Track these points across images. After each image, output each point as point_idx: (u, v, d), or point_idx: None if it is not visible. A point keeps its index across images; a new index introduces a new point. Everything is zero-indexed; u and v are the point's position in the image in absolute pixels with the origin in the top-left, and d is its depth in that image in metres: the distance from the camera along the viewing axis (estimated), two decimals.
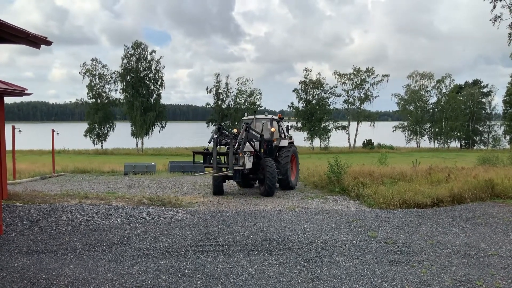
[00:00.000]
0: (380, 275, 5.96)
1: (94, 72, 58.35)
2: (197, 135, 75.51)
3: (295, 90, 62.39)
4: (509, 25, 23.25)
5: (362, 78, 63.44)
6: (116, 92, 59.60)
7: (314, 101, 61.38)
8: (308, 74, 62.00)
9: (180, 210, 10.84)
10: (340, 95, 63.51)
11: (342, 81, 63.71)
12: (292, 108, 62.04)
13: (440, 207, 11.09)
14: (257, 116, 16.29)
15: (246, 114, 16.86)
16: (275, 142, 15.52)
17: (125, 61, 57.26)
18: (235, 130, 15.92)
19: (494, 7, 23.41)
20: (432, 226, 8.95)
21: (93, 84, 58.27)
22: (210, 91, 61.58)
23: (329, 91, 62.33)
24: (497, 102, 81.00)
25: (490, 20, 23.57)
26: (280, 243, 7.64)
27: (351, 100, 63.95)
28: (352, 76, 63.69)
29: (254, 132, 14.57)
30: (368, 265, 6.41)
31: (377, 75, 63.06)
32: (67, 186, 16.42)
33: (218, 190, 14.46)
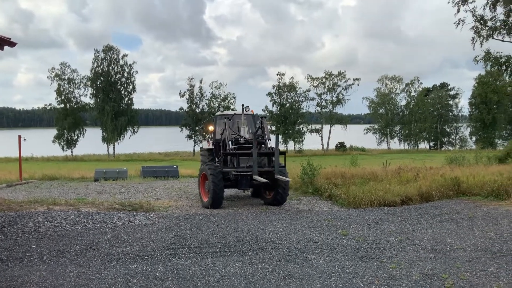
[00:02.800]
0: (351, 271, 6.06)
1: (63, 77, 56.86)
2: (171, 140, 74.66)
3: (269, 94, 62.82)
4: (471, 28, 24.24)
5: (334, 82, 64.57)
6: (86, 97, 58.29)
7: (287, 104, 61.90)
8: (282, 78, 62.58)
9: (152, 215, 10.69)
10: (313, 99, 64.46)
11: (315, 84, 64.71)
12: (266, 112, 62.37)
13: (409, 205, 11.40)
14: (238, 113, 14.20)
15: (221, 109, 16.03)
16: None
17: (96, 65, 56.15)
18: (210, 129, 14.02)
19: (458, 11, 24.38)
20: (401, 223, 9.18)
21: (61, 89, 56.74)
22: (183, 96, 61.14)
23: (302, 94, 63.16)
24: (463, 104, 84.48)
25: (454, 23, 24.50)
26: (253, 243, 7.65)
27: (323, 103, 64.99)
28: (324, 80, 64.71)
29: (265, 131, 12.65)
30: (339, 262, 6.51)
31: (349, 79, 64.41)
32: (34, 193, 15.90)
33: (219, 201, 11.80)
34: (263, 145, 12.54)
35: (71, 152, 57.17)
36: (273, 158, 11.90)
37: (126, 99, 57.34)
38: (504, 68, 23.83)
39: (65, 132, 57.02)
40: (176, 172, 24.30)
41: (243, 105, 13.72)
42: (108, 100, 55.48)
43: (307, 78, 65.44)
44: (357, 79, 64.48)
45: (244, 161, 12.00)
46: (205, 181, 12.47)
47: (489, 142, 58.42)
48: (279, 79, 62.69)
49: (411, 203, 11.63)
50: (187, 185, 18.99)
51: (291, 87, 62.27)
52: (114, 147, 56.51)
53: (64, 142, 57.33)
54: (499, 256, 6.67)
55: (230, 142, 12.19)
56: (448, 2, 24.48)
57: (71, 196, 14.89)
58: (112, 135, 55.32)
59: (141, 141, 66.19)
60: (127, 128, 57.25)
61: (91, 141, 59.09)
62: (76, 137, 58.04)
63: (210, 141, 14.01)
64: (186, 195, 15.29)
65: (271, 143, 12.80)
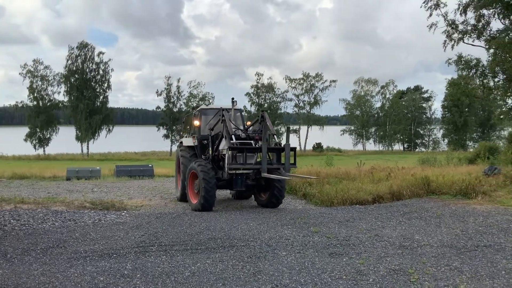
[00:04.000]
0: (320, 267, 6.12)
1: (35, 74, 55.36)
2: (147, 139, 73.72)
3: (247, 94, 62.93)
4: (443, 32, 24.85)
5: (311, 83, 65.19)
6: (60, 95, 56.93)
7: (266, 105, 62.11)
8: (260, 78, 62.78)
9: (123, 213, 10.52)
10: (291, 100, 64.88)
11: (293, 85, 65.17)
12: (244, 112, 62.37)
13: (380, 203, 11.62)
14: (225, 107, 12.85)
15: (206, 103, 14.59)
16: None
17: (70, 62, 54.84)
18: (196, 123, 12.82)
19: (431, 14, 24.88)
20: (371, 221, 9.33)
21: (34, 86, 55.24)
22: (160, 94, 60.46)
23: (281, 95, 63.58)
24: (436, 107, 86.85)
25: (427, 26, 25.04)
26: (225, 241, 7.63)
27: (301, 104, 65.49)
28: (302, 81, 65.25)
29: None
30: (309, 258, 6.56)
31: (326, 81, 65.15)
32: (2, 192, 15.40)
33: (211, 202, 10.83)
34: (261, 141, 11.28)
35: (44, 151, 55.67)
36: (264, 155, 10.58)
37: (101, 97, 56.25)
38: (474, 71, 24.55)
39: (38, 130, 55.49)
40: (151, 172, 24.03)
41: (233, 99, 12.90)
42: (83, 98, 54.29)
43: (285, 79, 65.87)
44: (334, 81, 65.35)
45: (242, 158, 10.80)
46: (193, 181, 11.49)
47: (460, 144, 60.14)
48: (257, 79, 62.94)
49: (383, 201, 11.85)
50: (162, 184, 18.81)
51: (270, 88, 62.56)
52: (88, 146, 55.38)
53: (36, 141, 55.78)
54: (463, 251, 6.87)
55: (233, 136, 10.90)
56: (421, 7, 25.05)
57: (41, 195, 14.50)
58: (86, 133, 54.15)
59: (117, 140, 65.01)
60: (102, 127, 56.14)
61: (64, 140, 57.66)
62: (48, 135, 56.57)
63: (195, 137, 12.70)
64: (161, 194, 15.14)
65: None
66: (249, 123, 12.81)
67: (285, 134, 10.98)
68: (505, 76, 23.03)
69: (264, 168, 10.35)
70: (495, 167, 16.17)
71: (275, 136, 11.41)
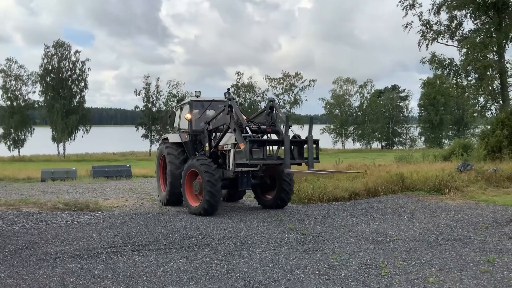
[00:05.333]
0: (294, 263, 6.15)
1: (9, 73, 53.90)
2: (126, 140, 72.67)
3: (228, 93, 62.73)
4: (418, 31, 25.39)
5: (291, 82, 65.63)
6: (35, 94, 55.73)
7: (246, 104, 62.11)
8: (240, 77, 62.77)
9: (98, 214, 10.34)
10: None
11: (273, 85, 65.50)
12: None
13: (356, 200, 11.76)
14: (217, 99, 12.12)
15: (197, 94, 11.68)
16: None
17: (45, 61, 53.67)
18: (188, 116, 11.32)
19: (406, 14, 25.49)
20: (346, 217, 9.44)
21: (8, 85, 53.79)
22: (139, 94, 59.75)
23: (261, 94, 63.73)
24: (413, 106, 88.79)
25: (402, 26, 25.56)
26: (199, 239, 7.59)
27: (281, 103, 65.69)
28: (282, 81, 65.62)
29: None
30: (284, 255, 6.58)
31: (305, 80, 65.74)
32: None
33: (216, 205, 9.79)
34: (274, 134, 10.27)
35: (18, 152, 54.25)
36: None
37: (78, 96, 55.31)
38: (447, 70, 25.18)
39: (12, 131, 54.03)
40: (128, 172, 23.72)
41: (228, 89, 12.27)
42: (59, 97, 53.24)
43: (265, 79, 66.11)
44: (313, 81, 65.96)
45: (242, 154, 9.65)
46: (192, 181, 10.36)
47: (436, 142, 61.53)
48: (237, 79, 62.93)
49: (359, 198, 12.00)
50: (140, 184, 18.56)
51: (250, 87, 62.64)
52: (64, 147, 54.27)
53: (11, 142, 54.33)
54: (434, 245, 7.02)
55: (248, 128, 9.49)
56: (397, 6, 25.54)
57: (14, 197, 14.09)
58: (62, 134, 53.09)
59: (94, 141, 63.92)
60: (79, 127, 55.17)
61: (40, 141, 56.32)
62: (23, 136, 55.15)
63: (187, 132, 11.40)
64: (137, 195, 14.92)
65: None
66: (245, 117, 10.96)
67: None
68: (476, 75, 23.68)
69: (287, 163, 9.12)
70: (468, 163, 16.58)
71: (291, 128, 10.01)
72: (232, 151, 9.95)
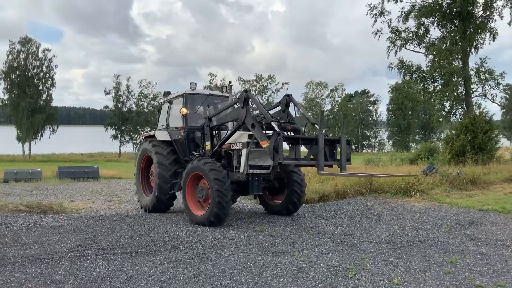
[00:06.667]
0: (262, 266, 6.12)
1: None
2: (95, 140, 70.95)
3: (230, 87, 62.46)
4: (387, 38, 26.01)
5: (264, 85, 65.85)
6: None
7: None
8: (213, 79, 62.49)
9: (62, 217, 10.00)
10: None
11: (246, 87, 65.34)
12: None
13: (326, 202, 11.89)
14: (213, 92, 11.33)
15: (192, 86, 10.44)
16: None
17: (11, 57, 51.76)
18: (183, 111, 9.99)
19: (375, 21, 26.05)
20: (316, 219, 9.51)
21: None
22: (109, 93, 58.55)
23: (234, 96, 63.49)
24: (382, 110, 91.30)
25: (372, 33, 26.13)
26: (167, 243, 7.44)
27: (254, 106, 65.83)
28: (255, 83, 65.77)
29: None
30: (252, 257, 6.54)
31: (278, 83, 66.13)
32: None
33: (225, 215, 8.66)
34: (293, 132, 9.10)
35: None
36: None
37: (45, 95, 53.72)
38: (415, 76, 25.91)
39: None
40: (96, 173, 23.18)
41: (230, 82, 11.18)
42: (24, 96, 51.43)
43: (239, 80, 66.05)
44: (286, 83, 66.42)
45: (257, 155, 8.82)
46: (195, 186, 9.21)
47: (404, 145, 63.26)
48: (210, 80, 62.59)
49: (328, 200, 12.14)
50: (108, 186, 18.13)
51: (223, 89, 62.36)
52: (30, 147, 52.43)
53: None
54: (400, 247, 7.16)
55: (274, 124, 8.26)
56: (367, 14, 26.08)
57: None
58: (27, 133, 51.28)
59: (62, 141, 62.14)
60: (45, 127, 53.48)
61: (4, 140, 54.21)
62: None
63: (183, 129, 10.22)
64: (105, 197, 14.56)
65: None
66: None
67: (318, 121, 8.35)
68: (442, 82, 24.48)
69: (322, 165, 7.98)
70: (433, 166, 17.09)
71: (315, 125, 8.94)
72: (244, 151, 8.75)
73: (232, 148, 9.28)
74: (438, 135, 63.86)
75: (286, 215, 9.81)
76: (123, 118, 58.29)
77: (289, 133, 8.92)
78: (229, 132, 9.33)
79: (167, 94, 11.73)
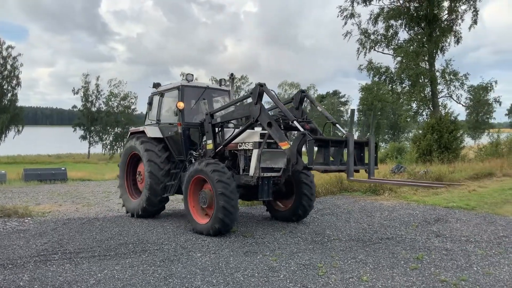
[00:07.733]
0: (234, 266, 6.11)
1: None
2: (63, 141, 68.92)
3: (232, 79, 61.85)
4: (357, 40, 26.53)
5: (237, 85, 65.78)
6: None
7: None
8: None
9: (27, 220, 9.66)
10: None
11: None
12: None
13: None
14: (213, 86, 10.66)
15: (188, 77, 9.78)
16: None
17: None
18: (181, 105, 9.03)
19: (345, 23, 26.54)
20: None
21: None
22: (77, 93, 57.09)
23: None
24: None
25: (343, 34, 26.59)
26: (137, 245, 7.32)
27: None
28: (228, 83, 65.54)
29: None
30: (224, 258, 6.52)
31: (251, 83, 66.20)
32: None
33: (233, 222, 7.78)
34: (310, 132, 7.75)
35: None
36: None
37: (9, 94, 51.73)
38: (383, 77, 26.55)
39: None
40: (64, 175, 22.57)
41: (232, 74, 10.47)
42: None
43: (212, 80, 65.61)
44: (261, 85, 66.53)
45: (268, 157, 8.01)
46: (198, 191, 8.31)
47: None
48: (183, 79, 62.03)
49: None
50: (76, 188, 17.63)
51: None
52: None
53: None
54: (368, 244, 7.32)
55: (297, 123, 7.35)
56: (338, 16, 26.53)
57: None
58: None
59: (27, 142, 60.06)
60: (10, 127, 51.54)
61: None
62: None
63: (180, 124, 9.23)
64: (72, 199, 14.15)
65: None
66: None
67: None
68: (410, 83, 25.19)
69: (351, 170, 7.05)
70: (401, 165, 17.57)
71: (337, 125, 8.33)
72: (256, 152, 7.99)
73: (239, 148, 8.48)
74: (406, 135, 65.63)
75: (295, 221, 9.06)
76: (92, 118, 56.97)
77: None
78: (237, 130, 8.45)
79: (157, 85, 10.43)
